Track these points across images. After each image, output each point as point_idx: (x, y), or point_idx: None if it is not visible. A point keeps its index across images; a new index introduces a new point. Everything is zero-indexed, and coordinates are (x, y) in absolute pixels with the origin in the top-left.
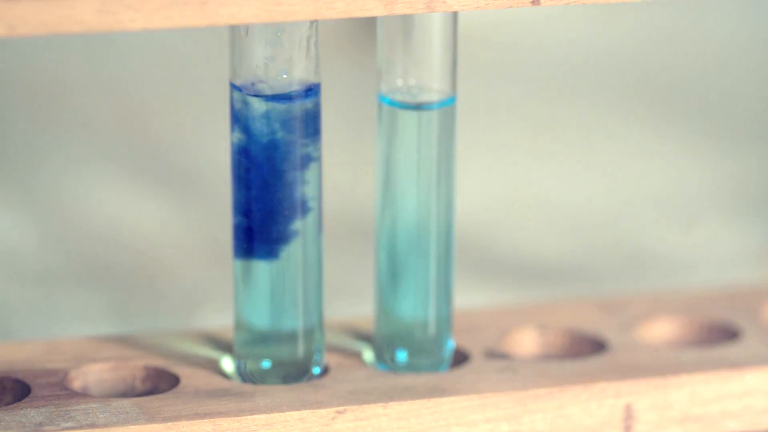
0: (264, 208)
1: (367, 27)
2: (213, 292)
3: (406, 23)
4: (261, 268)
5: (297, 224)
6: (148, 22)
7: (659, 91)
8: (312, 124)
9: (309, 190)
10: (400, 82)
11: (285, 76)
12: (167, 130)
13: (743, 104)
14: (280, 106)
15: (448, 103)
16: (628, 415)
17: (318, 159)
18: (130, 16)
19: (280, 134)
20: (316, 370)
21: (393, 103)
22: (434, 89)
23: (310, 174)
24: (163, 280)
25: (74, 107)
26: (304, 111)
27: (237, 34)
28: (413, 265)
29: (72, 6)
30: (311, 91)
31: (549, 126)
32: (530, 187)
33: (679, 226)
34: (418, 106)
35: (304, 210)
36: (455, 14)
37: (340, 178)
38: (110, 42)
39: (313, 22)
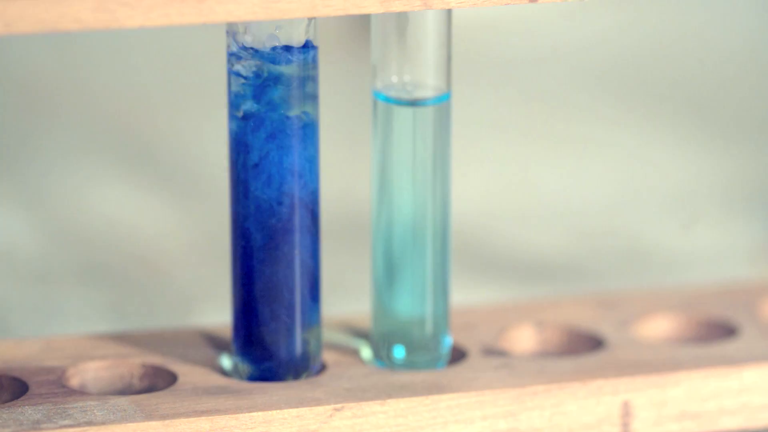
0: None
1: (362, 23)
2: (211, 289)
3: (400, 19)
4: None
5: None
6: (145, 19)
7: (657, 89)
8: (310, 89)
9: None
10: (395, 79)
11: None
12: (164, 128)
13: (741, 103)
14: (277, 66)
15: (443, 100)
16: (626, 412)
17: (315, 126)
18: (127, 13)
19: (276, 95)
20: (315, 368)
21: (388, 100)
22: (429, 85)
23: (308, 142)
24: (160, 277)
25: (73, 106)
26: (302, 73)
27: (235, 32)
28: (410, 262)
29: (69, 4)
30: (307, 48)
31: (545, 122)
32: (527, 184)
33: (676, 223)
34: (413, 103)
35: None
36: (449, 10)
37: (336, 175)
38: (107, 39)
39: (311, 20)
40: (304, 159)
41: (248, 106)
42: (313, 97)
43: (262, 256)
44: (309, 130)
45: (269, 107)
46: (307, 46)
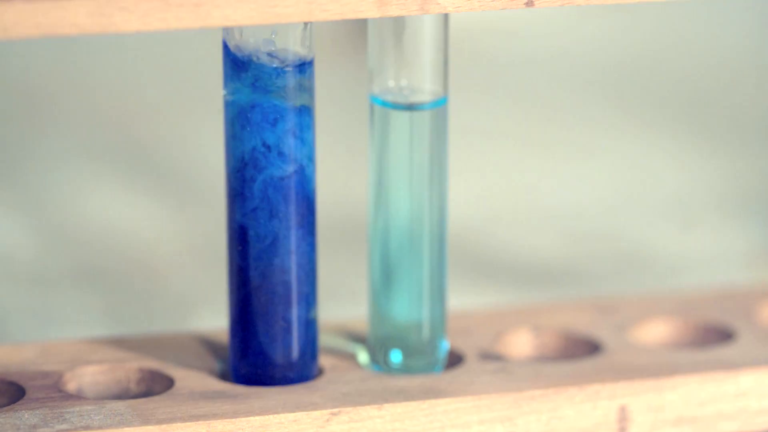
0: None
1: (359, 28)
2: (207, 294)
3: (397, 24)
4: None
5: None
6: (142, 24)
7: (653, 92)
8: (306, 94)
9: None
10: (392, 83)
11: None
12: (162, 132)
13: (739, 106)
14: (273, 73)
15: (440, 104)
16: (623, 416)
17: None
18: (124, 18)
19: (273, 100)
20: (312, 372)
21: (385, 104)
22: (426, 90)
23: (305, 136)
24: (157, 282)
25: (69, 109)
26: (298, 81)
27: (231, 36)
28: (407, 267)
29: (66, 8)
30: (303, 65)
31: (542, 126)
32: (524, 188)
33: (673, 227)
34: (410, 107)
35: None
36: (446, 15)
37: (333, 179)
38: (105, 43)
39: (307, 24)
40: (302, 162)
41: (245, 108)
42: (310, 101)
43: (259, 259)
44: (306, 133)
45: (266, 109)
46: (303, 60)
